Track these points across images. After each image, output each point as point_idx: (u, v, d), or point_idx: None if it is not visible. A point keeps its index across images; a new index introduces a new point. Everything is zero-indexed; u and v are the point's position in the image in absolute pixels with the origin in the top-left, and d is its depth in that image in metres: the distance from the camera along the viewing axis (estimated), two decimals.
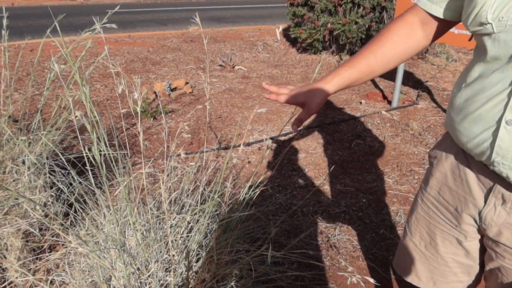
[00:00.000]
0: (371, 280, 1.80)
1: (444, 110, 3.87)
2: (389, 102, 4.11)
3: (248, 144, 3.10)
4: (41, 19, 9.90)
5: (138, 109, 0.99)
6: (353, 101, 4.19)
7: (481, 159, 0.78)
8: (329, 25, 5.29)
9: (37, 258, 1.89)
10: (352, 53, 5.65)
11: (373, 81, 4.87)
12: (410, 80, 4.89)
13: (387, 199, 2.46)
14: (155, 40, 6.98)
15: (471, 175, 0.85)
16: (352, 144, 3.18)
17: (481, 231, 0.87)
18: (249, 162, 2.86)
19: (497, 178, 0.78)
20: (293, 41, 6.50)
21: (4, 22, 2.32)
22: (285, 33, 7.03)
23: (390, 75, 5.02)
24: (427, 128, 3.46)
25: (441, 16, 0.88)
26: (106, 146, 1.34)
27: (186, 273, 1.06)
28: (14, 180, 2.06)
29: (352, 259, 1.97)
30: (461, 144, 0.82)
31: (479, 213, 0.84)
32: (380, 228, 2.20)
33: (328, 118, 3.69)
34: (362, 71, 0.98)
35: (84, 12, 11.30)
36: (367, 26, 5.19)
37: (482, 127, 0.75)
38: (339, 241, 2.09)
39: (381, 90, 4.51)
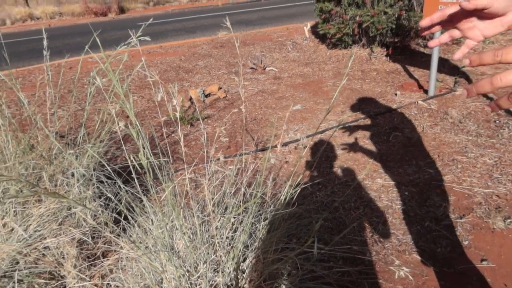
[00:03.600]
0: (420, 273, 1.77)
1: (485, 95, 3.71)
2: (426, 91, 3.99)
3: (285, 144, 3.12)
4: (76, 37, 10.37)
5: (178, 115, 1.02)
6: (387, 93, 4.10)
7: None
8: (357, 18, 5.21)
9: (91, 265, 1.98)
10: (383, 44, 5.53)
11: (407, 71, 4.75)
12: (446, 66, 4.72)
13: (430, 190, 2.40)
14: (186, 48, 7.14)
15: None
16: (390, 136, 3.12)
17: None
18: (286, 162, 2.87)
19: None
20: (322, 38, 6.45)
21: (45, 42, 2.46)
22: (314, 30, 6.99)
23: (424, 63, 4.88)
24: (467, 115, 3.34)
25: None
26: (150, 155, 1.40)
27: (235, 272, 1.09)
28: (65, 192, 2.18)
29: (398, 253, 1.93)
30: None
31: None
32: (425, 221, 2.14)
33: (363, 112, 3.64)
34: None
35: (116, 27, 11.71)
36: (396, 16, 5.06)
37: None
38: (384, 236, 2.06)
39: (416, 80, 4.39)
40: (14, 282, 1.76)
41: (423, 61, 5.03)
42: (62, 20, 15.97)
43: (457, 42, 5.48)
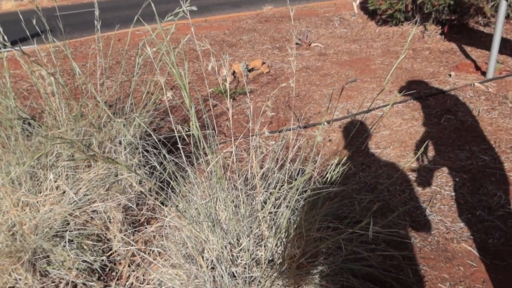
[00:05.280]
0: (468, 264, 1.69)
1: None
2: (483, 73, 3.73)
3: (329, 122, 3.04)
4: (125, 10, 10.56)
5: (228, 86, 1.00)
6: (440, 73, 3.88)
7: None
8: None
9: (135, 230, 2.05)
10: (438, 22, 5.20)
11: (463, 51, 4.46)
12: (508, 47, 4.39)
13: (483, 178, 2.26)
14: (230, 23, 7.08)
15: None
16: (442, 119, 2.96)
17: None
18: (330, 140, 2.80)
19: None
20: (371, 14, 6.17)
21: (96, 13, 2.50)
22: (363, 6, 6.69)
23: (483, 43, 4.56)
24: None
25: None
26: (197, 126, 1.40)
27: (282, 249, 1.08)
28: (113, 159, 2.25)
29: (446, 241, 1.85)
30: None
31: None
32: (476, 210, 2.03)
33: (413, 93, 3.47)
34: None
35: (163, 0, 11.79)
36: None
37: None
38: (431, 222, 1.97)
39: (473, 61, 4.11)
40: (65, 242, 1.86)
41: (482, 41, 4.69)
42: None
43: None
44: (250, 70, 4.32)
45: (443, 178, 2.29)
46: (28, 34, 2.40)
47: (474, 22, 5.28)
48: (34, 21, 2.03)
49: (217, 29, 6.66)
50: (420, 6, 5.09)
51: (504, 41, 4.52)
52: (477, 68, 3.90)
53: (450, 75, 3.80)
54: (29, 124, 2.32)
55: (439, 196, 2.15)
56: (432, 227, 1.94)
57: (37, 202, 1.95)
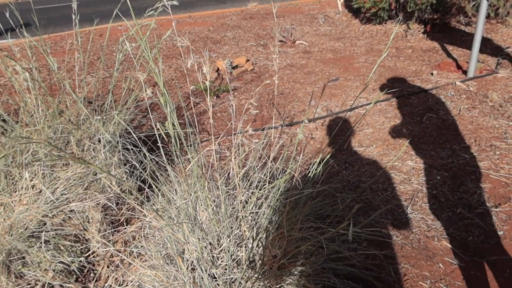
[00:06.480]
0: (449, 261, 1.70)
1: None
2: (464, 72, 3.78)
3: (312, 120, 3.03)
4: (107, 4, 10.36)
5: (208, 84, 0.97)
6: (423, 72, 3.91)
7: None
8: None
9: (115, 230, 2.01)
10: (421, 21, 5.26)
11: (445, 49, 4.51)
12: (488, 47, 4.45)
13: (464, 176, 2.29)
14: (215, 19, 7.01)
15: None
16: (424, 118, 2.98)
17: None
18: (312, 138, 2.80)
19: None
20: (355, 12, 6.19)
21: (75, 6, 2.42)
22: (347, 4, 6.71)
23: (465, 42, 4.62)
24: (509, 99, 3.15)
25: None
26: (175, 125, 1.36)
27: (262, 249, 1.05)
28: (92, 158, 2.20)
29: (427, 239, 1.86)
30: None
31: None
32: (457, 207, 2.05)
33: (396, 91, 3.49)
34: None
35: None
36: None
37: None
38: (412, 220, 1.98)
39: (455, 60, 4.16)
40: (41, 243, 1.80)
41: (464, 40, 4.76)
42: None
43: (501, 20, 5.15)
44: (234, 67, 4.28)
45: (424, 176, 2.31)
46: (1, 28, 2.31)
47: (456, 21, 5.35)
48: (8, 14, 1.95)
49: (202, 25, 6.60)
50: (403, 5, 5.14)
51: (484, 40, 4.59)
52: (459, 67, 3.95)
53: (432, 73, 3.84)
54: (4, 121, 2.25)
55: (421, 194, 2.16)
56: (414, 225, 1.95)
57: (12, 201, 1.88)
